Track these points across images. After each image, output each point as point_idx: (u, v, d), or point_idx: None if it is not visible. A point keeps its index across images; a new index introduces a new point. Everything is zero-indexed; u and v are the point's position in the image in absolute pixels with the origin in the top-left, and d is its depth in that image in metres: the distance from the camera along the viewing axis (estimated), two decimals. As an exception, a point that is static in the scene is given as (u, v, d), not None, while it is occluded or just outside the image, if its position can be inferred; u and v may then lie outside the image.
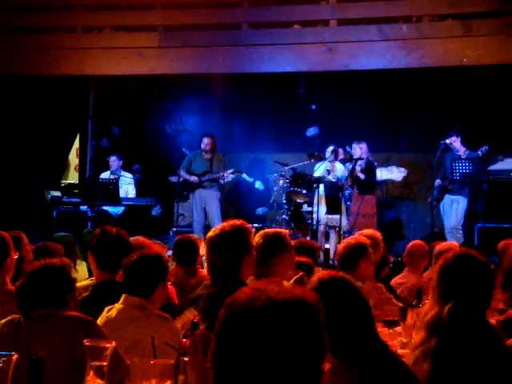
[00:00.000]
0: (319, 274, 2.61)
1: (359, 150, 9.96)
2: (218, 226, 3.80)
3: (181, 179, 10.77)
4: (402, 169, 11.94)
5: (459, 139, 9.79)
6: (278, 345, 1.47)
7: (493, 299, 2.92)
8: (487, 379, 2.48)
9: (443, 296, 2.69)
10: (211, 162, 10.51)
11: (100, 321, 3.38)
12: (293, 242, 5.42)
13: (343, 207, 9.98)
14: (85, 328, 2.96)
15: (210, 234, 3.71)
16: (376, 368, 2.33)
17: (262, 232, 4.31)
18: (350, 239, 5.17)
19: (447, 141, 9.76)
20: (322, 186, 10.15)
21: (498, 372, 2.48)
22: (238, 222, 3.74)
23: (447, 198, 9.82)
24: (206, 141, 10.52)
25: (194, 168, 10.56)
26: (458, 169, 9.56)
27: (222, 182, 10.51)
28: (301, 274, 3.67)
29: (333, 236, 10.06)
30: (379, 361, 2.36)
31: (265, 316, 1.49)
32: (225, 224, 3.74)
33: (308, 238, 9.11)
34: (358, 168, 9.90)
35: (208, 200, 10.40)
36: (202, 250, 6.09)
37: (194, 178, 10.48)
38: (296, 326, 1.50)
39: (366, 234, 5.52)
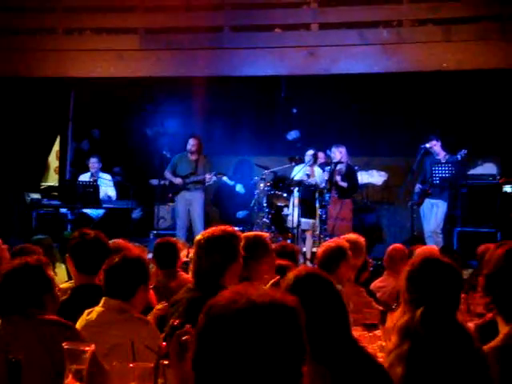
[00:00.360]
0: (295, 270, 2.61)
1: (339, 153, 9.98)
2: (208, 230, 3.77)
3: (162, 182, 10.74)
4: (383, 173, 11.99)
5: (439, 143, 9.85)
6: (258, 348, 1.47)
7: (462, 301, 2.97)
8: (460, 381, 2.50)
9: (413, 301, 2.71)
10: (196, 163, 10.47)
11: (80, 324, 3.36)
12: (273, 246, 5.44)
13: (318, 211, 9.98)
14: (63, 332, 2.93)
15: (200, 236, 3.70)
16: (350, 369, 2.33)
17: (242, 235, 4.32)
18: (330, 242, 5.19)
19: (427, 145, 9.82)
20: (296, 189, 10.17)
21: (471, 374, 2.50)
22: (229, 228, 3.74)
23: (427, 201, 9.87)
24: (191, 142, 10.47)
25: (180, 170, 10.50)
26: (438, 173, 9.62)
27: (206, 184, 10.47)
28: (277, 277, 3.67)
29: (308, 240, 10.04)
30: (353, 361, 2.36)
31: (245, 319, 1.49)
32: (216, 228, 3.72)
33: (288, 241, 9.12)
34: (338, 177, 9.91)
35: (193, 202, 10.34)
36: (183, 253, 6.10)
37: (178, 180, 10.43)
38: (275, 329, 1.50)
39: (350, 238, 5.54)
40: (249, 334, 1.48)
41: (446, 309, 2.67)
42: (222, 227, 3.72)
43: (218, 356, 1.49)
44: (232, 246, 3.62)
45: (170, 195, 10.76)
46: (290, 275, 2.53)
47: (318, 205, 10.03)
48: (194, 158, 10.49)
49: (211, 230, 3.71)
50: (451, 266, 2.85)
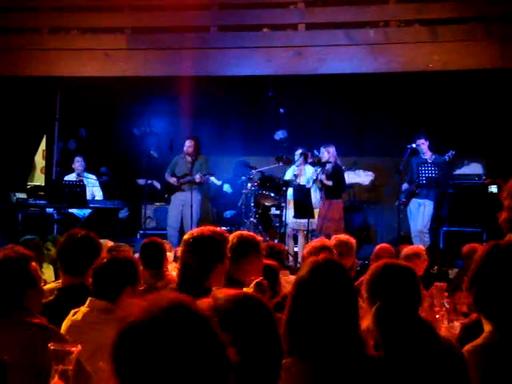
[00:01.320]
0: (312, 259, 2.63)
1: (327, 153, 10.00)
2: (196, 229, 3.77)
3: (149, 182, 10.74)
4: (370, 172, 12.02)
5: (427, 143, 9.88)
6: (173, 356, 1.47)
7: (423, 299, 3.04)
8: (424, 375, 2.51)
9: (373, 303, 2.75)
10: (192, 164, 10.53)
11: (65, 324, 3.35)
12: (265, 244, 5.47)
13: (315, 211, 10.00)
14: (46, 335, 2.89)
15: (188, 236, 3.67)
16: (332, 363, 2.35)
17: (237, 233, 4.33)
18: (314, 242, 5.20)
19: (414, 145, 9.85)
20: (290, 190, 10.20)
21: (432, 369, 2.51)
22: (218, 228, 3.74)
23: (414, 201, 9.90)
24: (187, 143, 10.61)
25: (177, 171, 10.62)
26: (424, 173, 9.65)
27: (204, 185, 10.56)
28: (260, 278, 3.67)
29: (300, 239, 10.08)
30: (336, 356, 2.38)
31: (153, 330, 1.48)
32: (204, 228, 3.71)
33: (276, 241, 9.13)
34: (323, 176, 9.92)
35: (186, 203, 10.34)
36: (170, 255, 6.09)
37: (173, 180, 10.52)
38: (184, 338, 1.49)
39: (341, 238, 5.56)
40: (159, 344, 1.47)
41: (403, 305, 2.71)
42: (212, 227, 3.71)
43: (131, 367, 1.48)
44: (220, 247, 3.60)
45: (167, 196, 10.79)
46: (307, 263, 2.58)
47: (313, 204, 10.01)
48: (190, 159, 10.56)
49: (200, 229, 3.70)
50: (402, 267, 2.92)
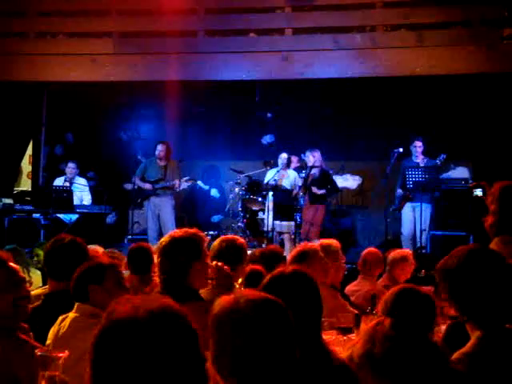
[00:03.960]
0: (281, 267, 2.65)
1: (312, 157, 10.02)
2: (170, 232, 3.80)
3: (135, 186, 10.71)
4: (357, 177, 12.05)
5: (423, 147, 9.92)
6: (155, 356, 1.48)
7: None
8: None
9: None
10: (165, 169, 10.48)
11: (53, 330, 3.34)
12: (258, 250, 5.48)
13: (296, 214, 10.02)
14: (21, 348, 2.85)
15: (162, 239, 3.71)
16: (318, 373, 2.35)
17: (219, 238, 4.34)
18: (300, 246, 5.21)
19: (400, 149, 9.85)
20: (270, 193, 10.21)
21: None
22: (191, 229, 3.74)
23: (408, 205, 9.94)
24: (159, 147, 10.51)
25: (149, 175, 10.53)
26: (412, 177, 9.68)
27: (177, 190, 10.48)
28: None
29: (287, 243, 10.07)
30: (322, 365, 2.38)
31: (139, 329, 1.50)
32: (177, 230, 3.76)
33: (263, 246, 9.14)
34: (315, 189, 9.91)
35: (162, 208, 10.37)
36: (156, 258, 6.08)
37: (147, 186, 10.46)
38: (158, 342, 1.50)
39: (325, 243, 5.56)
40: (143, 343, 1.49)
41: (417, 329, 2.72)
42: (185, 229, 3.73)
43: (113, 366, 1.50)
44: (194, 245, 3.61)
45: (139, 200, 10.74)
46: (275, 272, 2.57)
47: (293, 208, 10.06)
48: (162, 163, 10.51)
49: (171, 233, 3.75)
50: (427, 297, 3.04)
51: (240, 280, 4.31)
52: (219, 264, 3.92)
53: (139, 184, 10.56)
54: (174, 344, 1.51)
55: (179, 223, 10.22)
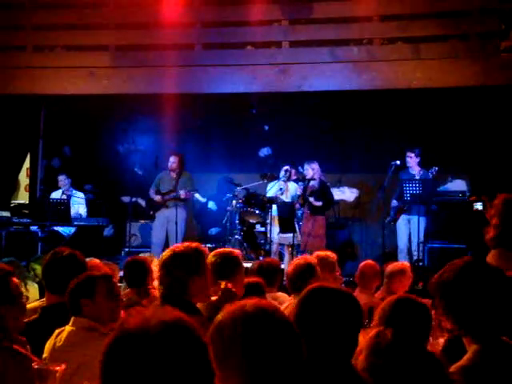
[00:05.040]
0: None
1: (311, 170, 10.02)
2: (171, 247, 3.80)
3: (133, 199, 10.72)
4: (354, 189, 12.05)
5: (418, 159, 9.92)
6: (165, 367, 1.49)
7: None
8: None
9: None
10: (177, 180, 10.49)
11: (49, 344, 3.33)
12: (257, 263, 5.47)
13: (296, 227, 10.02)
14: (16, 361, 2.83)
15: (164, 253, 3.71)
16: None
17: (214, 252, 4.32)
18: (298, 260, 5.21)
19: (398, 162, 9.87)
20: (274, 206, 10.20)
21: None
22: (193, 243, 3.72)
23: (403, 217, 9.93)
24: (171, 159, 10.55)
25: (162, 187, 10.55)
26: (408, 190, 9.67)
27: (188, 199, 10.50)
28: (228, 285, 3.71)
29: (287, 255, 10.06)
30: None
31: (151, 341, 1.51)
32: (179, 245, 3.75)
33: (261, 258, 9.13)
34: (311, 198, 9.92)
35: (171, 219, 10.29)
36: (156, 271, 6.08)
37: (158, 198, 10.47)
38: (169, 353, 1.51)
39: (322, 255, 5.56)
40: (153, 355, 1.49)
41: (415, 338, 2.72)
42: (186, 243, 3.72)
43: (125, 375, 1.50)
44: (194, 260, 3.60)
45: (151, 212, 10.73)
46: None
47: (295, 220, 10.05)
48: (174, 175, 10.51)
49: (172, 247, 3.74)
50: (424, 306, 3.03)
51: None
52: (229, 286, 3.91)
53: (152, 196, 10.57)
54: (184, 356, 1.51)
55: (186, 235, 10.23)
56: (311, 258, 5.17)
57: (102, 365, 1.54)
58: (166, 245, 10.25)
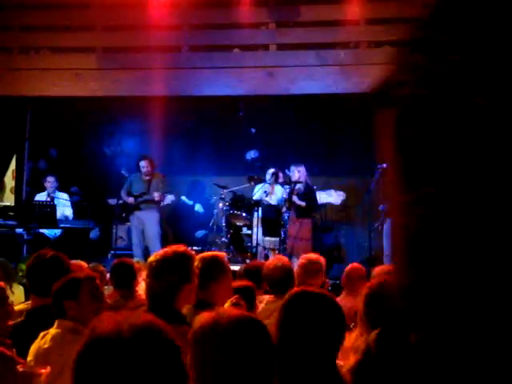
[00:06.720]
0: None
1: (297, 172, 10.03)
2: (159, 251, 3.70)
3: (120, 201, 10.69)
4: (341, 192, 12.07)
5: None
6: (138, 373, 1.48)
7: None
8: None
9: (370, 322, 2.76)
10: (149, 182, 10.48)
11: (33, 347, 3.31)
12: (243, 266, 5.47)
13: (281, 230, 10.02)
14: (2, 364, 2.82)
15: (152, 258, 3.61)
16: None
17: (199, 256, 4.30)
18: (274, 260, 5.25)
19: (384, 165, 9.91)
20: (257, 209, 10.21)
21: None
22: (181, 248, 3.64)
23: (388, 221, 9.95)
24: (143, 164, 10.52)
25: (134, 190, 10.52)
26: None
27: (161, 203, 10.47)
28: (235, 296, 3.67)
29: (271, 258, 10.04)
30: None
31: (126, 346, 1.49)
32: (167, 249, 3.64)
33: (247, 261, 9.12)
34: (295, 198, 9.93)
35: (146, 222, 10.34)
36: (142, 274, 6.06)
37: (130, 200, 10.45)
38: (142, 358, 1.50)
39: (310, 258, 5.57)
40: (128, 360, 1.48)
41: (401, 330, 2.71)
42: (174, 247, 3.63)
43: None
44: (184, 266, 3.53)
45: (124, 215, 10.72)
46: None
47: (282, 223, 10.05)
48: (147, 178, 10.51)
49: (163, 251, 3.63)
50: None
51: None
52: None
53: (124, 198, 10.55)
54: (157, 360, 1.50)
55: (164, 238, 10.19)
56: (288, 263, 5.23)
57: (74, 371, 1.52)
58: (145, 248, 10.24)
